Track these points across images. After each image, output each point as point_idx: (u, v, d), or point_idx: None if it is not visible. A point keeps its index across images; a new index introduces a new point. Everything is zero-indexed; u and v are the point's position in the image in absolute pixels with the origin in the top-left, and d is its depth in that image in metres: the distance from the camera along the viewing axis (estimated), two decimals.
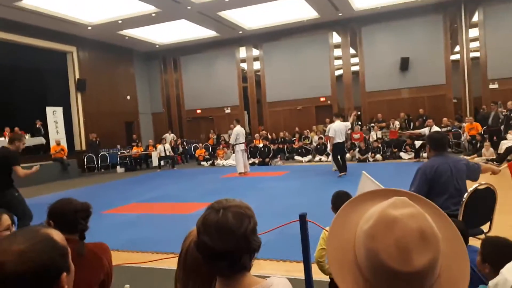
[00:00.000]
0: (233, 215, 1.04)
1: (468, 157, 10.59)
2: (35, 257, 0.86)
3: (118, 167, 15.38)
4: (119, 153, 15.93)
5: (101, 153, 15.67)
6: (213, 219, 1.04)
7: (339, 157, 9.72)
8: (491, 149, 10.75)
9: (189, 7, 13.26)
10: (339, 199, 2.80)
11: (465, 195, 3.17)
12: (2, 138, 12.70)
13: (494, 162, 9.71)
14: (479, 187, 3.26)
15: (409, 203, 0.78)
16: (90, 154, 15.50)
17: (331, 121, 16.02)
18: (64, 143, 14.47)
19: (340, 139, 9.57)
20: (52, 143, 14.03)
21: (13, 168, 4.94)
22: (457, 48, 15.59)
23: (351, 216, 0.86)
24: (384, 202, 0.80)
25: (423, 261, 0.72)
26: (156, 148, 15.33)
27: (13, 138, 5.21)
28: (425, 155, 11.63)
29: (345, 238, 0.83)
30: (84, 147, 16.04)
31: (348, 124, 10.23)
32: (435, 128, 11.09)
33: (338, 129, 9.54)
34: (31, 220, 4.88)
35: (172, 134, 17.49)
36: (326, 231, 2.80)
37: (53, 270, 0.89)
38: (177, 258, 1.35)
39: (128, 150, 16.10)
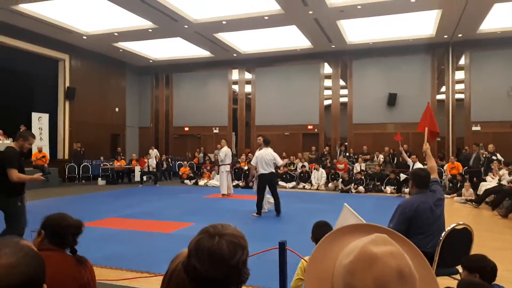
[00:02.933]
0: (228, 244, 1.01)
1: (448, 196, 10.78)
2: (26, 270, 0.89)
3: (99, 179, 15.12)
4: (102, 165, 15.69)
5: (84, 164, 15.42)
6: (207, 244, 1.01)
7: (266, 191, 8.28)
8: (471, 190, 10.95)
9: (186, 26, 13.44)
10: (319, 229, 2.81)
11: (443, 234, 3.21)
12: None
13: (473, 203, 9.88)
14: (457, 227, 3.31)
15: (389, 241, 0.79)
16: (72, 164, 15.24)
17: (317, 149, 16.31)
18: (46, 151, 14.22)
19: (265, 170, 8.07)
20: (34, 150, 13.77)
21: (7, 171, 4.33)
22: (443, 89, 16.08)
23: (331, 248, 0.87)
24: (364, 238, 0.81)
25: None
26: (142, 162, 15.10)
27: (17, 135, 4.67)
28: (406, 190, 11.78)
29: (324, 269, 0.84)
30: (66, 156, 15.78)
31: (278, 160, 8.30)
32: (419, 165, 11.28)
33: (261, 158, 8.10)
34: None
35: (155, 150, 17.32)
36: (305, 260, 2.80)
37: (37, 282, 0.92)
38: (152, 277, 1.33)
39: (111, 163, 15.87)
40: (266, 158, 8.09)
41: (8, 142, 13.04)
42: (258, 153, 8.25)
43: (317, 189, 13.51)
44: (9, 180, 4.33)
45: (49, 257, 1.86)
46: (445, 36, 14.33)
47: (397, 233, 0.89)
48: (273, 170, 8.25)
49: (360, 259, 0.75)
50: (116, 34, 14.40)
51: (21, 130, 14.02)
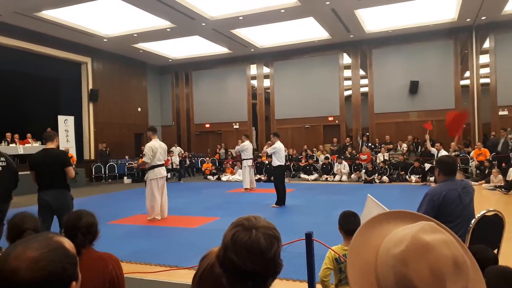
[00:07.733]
0: (265, 237, 1.02)
1: (476, 183, 10.53)
2: (48, 265, 0.86)
3: (125, 177, 15.46)
4: (127, 164, 16.03)
5: (110, 163, 15.79)
6: (244, 238, 1.01)
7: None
8: (500, 176, 10.66)
9: (203, 24, 13.52)
10: (347, 220, 2.81)
11: (473, 221, 3.15)
12: (13, 144, 12.92)
13: (502, 189, 9.63)
14: (487, 214, 3.24)
15: (438, 229, 0.77)
16: (98, 164, 15.63)
17: (338, 141, 16.15)
18: (73, 152, 14.61)
19: (282, 161, 8.53)
20: None
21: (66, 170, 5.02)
22: (467, 74, 15.64)
23: (370, 237, 0.86)
24: (410, 226, 0.79)
25: None
26: (166, 160, 15.37)
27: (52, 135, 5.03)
28: (431, 179, 11.57)
29: (365, 259, 0.83)
30: (93, 157, 16.18)
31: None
32: (444, 152, 11.05)
33: (282, 149, 8.59)
34: None
35: (178, 147, 17.58)
36: (332, 250, 2.81)
37: (64, 279, 0.90)
38: (180, 270, 1.35)
39: (136, 162, 16.18)
40: (283, 150, 8.80)
41: (37, 145, 13.48)
42: (278, 144, 8.58)
43: (340, 180, 13.42)
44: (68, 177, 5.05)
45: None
46: (468, 20, 13.91)
47: (436, 221, 0.87)
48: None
49: (413, 248, 0.74)
50: (135, 35, 14.62)
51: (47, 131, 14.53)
